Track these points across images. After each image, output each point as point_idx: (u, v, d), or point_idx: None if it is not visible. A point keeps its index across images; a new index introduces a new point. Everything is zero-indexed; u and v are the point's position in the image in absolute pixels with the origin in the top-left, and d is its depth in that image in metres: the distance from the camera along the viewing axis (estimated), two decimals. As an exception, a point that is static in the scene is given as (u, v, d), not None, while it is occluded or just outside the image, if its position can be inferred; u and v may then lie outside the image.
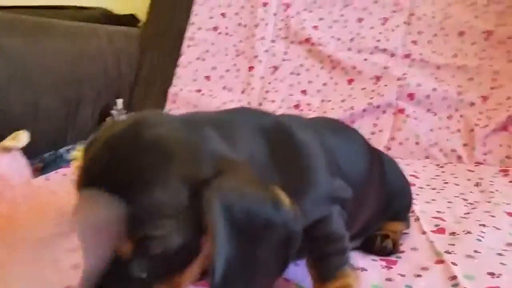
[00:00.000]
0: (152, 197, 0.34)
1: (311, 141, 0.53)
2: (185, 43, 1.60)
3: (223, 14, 1.61)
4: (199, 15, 1.62)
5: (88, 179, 0.37)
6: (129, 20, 1.93)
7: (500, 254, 0.66)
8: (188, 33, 1.60)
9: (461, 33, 1.48)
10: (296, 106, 1.51)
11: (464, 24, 1.48)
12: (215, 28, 1.61)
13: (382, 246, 0.67)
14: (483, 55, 1.45)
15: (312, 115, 1.45)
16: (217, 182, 0.37)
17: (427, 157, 1.33)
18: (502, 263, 0.62)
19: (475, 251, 0.66)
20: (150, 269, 0.36)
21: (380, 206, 0.67)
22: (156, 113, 0.45)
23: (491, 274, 0.60)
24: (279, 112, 1.48)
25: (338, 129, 0.67)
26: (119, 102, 1.39)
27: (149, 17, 1.67)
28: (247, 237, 0.37)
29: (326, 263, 0.51)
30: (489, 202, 0.92)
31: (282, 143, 0.49)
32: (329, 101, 1.49)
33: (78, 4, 1.88)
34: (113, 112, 1.37)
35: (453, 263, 0.62)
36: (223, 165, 0.38)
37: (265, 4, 1.60)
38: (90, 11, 1.89)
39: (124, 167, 0.35)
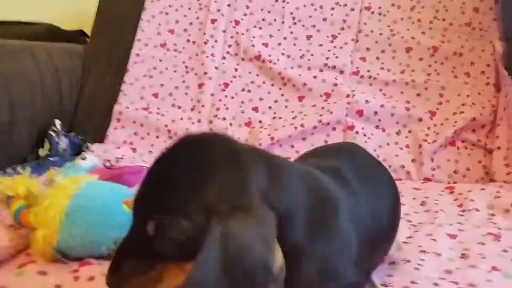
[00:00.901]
0: (178, 202, 0.43)
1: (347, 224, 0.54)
2: (131, 59, 1.54)
3: (171, 31, 1.57)
4: (146, 32, 1.57)
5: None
6: (77, 36, 1.86)
7: (436, 284, 0.64)
8: (135, 50, 1.55)
9: (408, 49, 1.49)
10: (248, 124, 1.48)
11: (410, 40, 1.50)
12: (162, 45, 1.56)
13: None
14: (430, 70, 1.47)
15: (263, 132, 1.43)
16: (226, 220, 0.41)
17: (377, 174, 1.32)
18: (436, 294, 0.61)
19: (412, 282, 0.64)
20: (162, 248, 0.43)
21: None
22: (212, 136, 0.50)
23: (425, 307, 0.57)
24: (229, 130, 1.45)
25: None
26: (57, 123, 1.32)
27: (93, 33, 1.61)
28: (229, 276, 0.40)
29: None
30: (432, 223, 0.91)
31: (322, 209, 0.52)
32: (280, 118, 1.47)
33: (23, 19, 1.80)
34: (51, 133, 1.30)
35: (388, 297, 0.60)
36: (241, 204, 0.42)
37: (213, 21, 1.57)
38: (36, 27, 1.81)
39: (172, 185, 0.44)
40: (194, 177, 0.44)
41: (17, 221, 0.72)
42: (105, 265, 0.67)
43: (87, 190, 0.71)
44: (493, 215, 0.98)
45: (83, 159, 0.96)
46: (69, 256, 0.68)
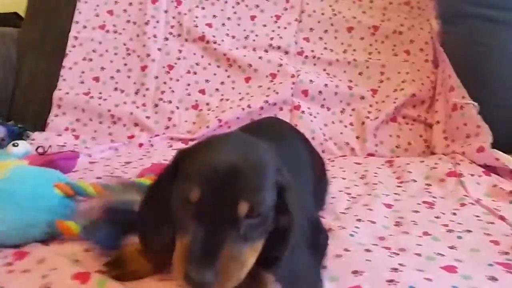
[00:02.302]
0: (262, 187, 0.51)
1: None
2: (70, 43, 1.48)
3: (110, 12, 1.52)
4: (83, 13, 1.51)
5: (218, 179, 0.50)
6: (11, 19, 1.76)
7: (368, 250, 0.66)
8: (73, 33, 1.49)
9: (349, 29, 1.52)
10: (195, 107, 1.46)
11: (352, 19, 1.52)
12: (101, 27, 1.51)
13: None
14: (371, 49, 1.51)
15: (211, 114, 1.42)
16: (291, 192, 0.54)
17: (323, 151, 1.34)
18: (367, 260, 0.62)
19: (345, 250, 0.66)
20: (249, 229, 0.50)
21: None
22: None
23: (355, 272, 0.59)
24: (176, 113, 1.43)
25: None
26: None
27: (28, 16, 1.53)
28: (305, 232, 0.55)
29: None
30: (370, 194, 0.94)
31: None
32: (228, 99, 1.46)
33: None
34: (-15, 122, 1.23)
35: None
36: (289, 181, 0.55)
37: (154, 1, 1.53)
38: (-34, 9, 1.70)
39: (246, 175, 0.51)
40: (259, 165, 0.53)
41: None
42: (41, 252, 0.65)
43: (15, 174, 0.68)
44: (429, 185, 1.02)
45: (15, 145, 0.93)
46: (3, 243, 0.65)
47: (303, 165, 0.76)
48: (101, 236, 0.65)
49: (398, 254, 0.66)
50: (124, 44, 1.50)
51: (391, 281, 0.57)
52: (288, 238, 0.52)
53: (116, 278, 0.59)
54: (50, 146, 1.00)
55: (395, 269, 0.60)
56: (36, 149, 0.92)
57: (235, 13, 1.55)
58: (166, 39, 1.51)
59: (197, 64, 1.50)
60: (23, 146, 0.93)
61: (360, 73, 1.47)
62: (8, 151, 0.92)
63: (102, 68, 1.47)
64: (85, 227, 0.66)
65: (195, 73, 1.50)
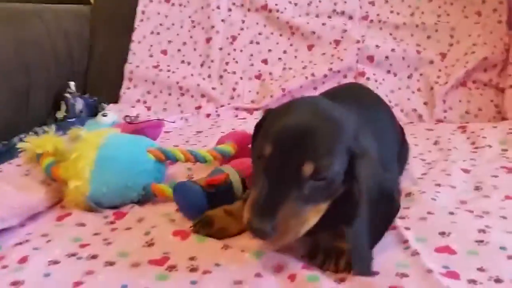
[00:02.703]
0: (331, 152, 0.53)
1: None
2: (138, 17, 1.53)
3: (174, -15, 1.55)
4: (150, -13, 1.55)
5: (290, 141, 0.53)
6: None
7: (451, 213, 0.67)
8: (140, 7, 1.54)
9: (417, -9, 1.46)
10: (258, 76, 1.48)
11: (420, -19, 1.46)
12: (167, 0, 1.54)
13: None
14: (440, 12, 1.45)
15: (274, 84, 1.44)
16: (364, 160, 0.55)
17: (389, 119, 1.33)
18: (452, 222, 0.63)
19: (429, 213, 0.67)
20: (313, 190, 0.52)
21: None
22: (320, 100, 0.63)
23: (442, 233, 0.60)
24: (240, 83, 1.46)
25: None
26: (72, 85, 1.33)
27: (97, -7, 1.60)
28: (375, 200, 0.55)
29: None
30: (446, 160, 0.93)
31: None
32: (290, 69, 1.47)
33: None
34: (67, 95, 1.32)
35: (406, 228, 0.63)
36: (364, 148, 0.56)
37: (217, -27, 1.54)
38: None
39: (316, 138, 0.53)
40: (332, 130, 0.55)
41: (49, 176, 0.76)
42: (139, 212, 0.72)
43: (112, 141, 0.74)
44: (505, 150, 0.99)
45: (104, 115, 0.99)
46: (102, 204, 0.72)
47: (388, 131, 0.76)
48: (191, 196, 0.69)
49: (482, 217, 0.66)
50: (189, 17, 1.53)
51: (480, 241, 0.58)
52: (356, 207, 0.54)
53: (206, 236, 0.63)
54: (137, 115, 1.06)
55: (483, 231, 0.61)
56: (124, 118, 0.99)
57: (298, -20, 1.53)
58: (230, 10, 1.53)
59: (259, 34, 1.51)
60: (111, 115, 0.99)
61: (428, 37, 1.43)
62: (98, 121, 0.99)
63: (169, 42, 1.52)
64: (175, 187, 0.71)
65: (257, 43, 1.51)
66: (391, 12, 1.46)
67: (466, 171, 0.87)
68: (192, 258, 0.58)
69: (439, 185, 0.79)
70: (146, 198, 0.76)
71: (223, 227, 0.65)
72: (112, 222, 0.71)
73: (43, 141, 0.78)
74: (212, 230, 0.64)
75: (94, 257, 0.60)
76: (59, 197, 0.76)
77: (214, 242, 0.62)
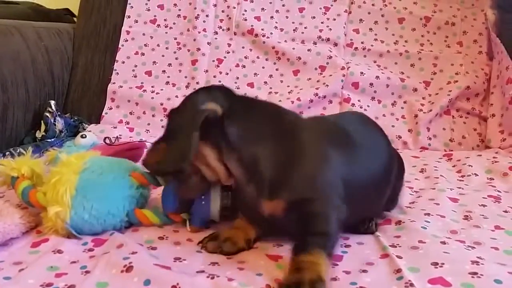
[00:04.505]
0: None
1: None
2: (122, 37, 1.51)
3: (160, 6, 1.54)
4: (135, 7, 1.54)
5: None
6: (63, 15, 1.82)
7: (443, 243, 0.65)
8: (125, 27, 1.52)
9: (400, 20, 1.49)
10: (243, 99, 1.47)
11: (403, 10, 1.50)
12: (153, 21, 1.53)
13: (369, 227, 0.72)
14: (423, 41, 1.48)
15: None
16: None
17: (374, 145, 1.33)
18: (445, 252, 0.62)
19: (420, 241, 0.66)
20: None
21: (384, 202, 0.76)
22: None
23: (435, 264, 0.59)
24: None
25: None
26: (52, 103, 1.29)
27: (81, 11, 1.57)
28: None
29: (305, 239, 0.58)
30: (433, 189, 0.93)
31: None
32: (276, 93, 1.46)
33: (6, -1, 1.75)
34: (47, 114, 1.28)
35: (398, 256, 0.61)
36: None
37: (203, -5, 1.54)
38: (20, 6, 1.76)
39: None
40: None
41: (26, 201, 0.71)
42: (119, 239, 0.68)
43: (94, 165, 0.71)
44: (491, 179, 1.00)
45: (82, 137, 0.96)
46: (82, 232, 0.68)
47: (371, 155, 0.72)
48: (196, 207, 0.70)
49: (474, 248, 0.65)
50: (175, 39, 1.52)
51: (474, 273, 0.56)
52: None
53: (220, 252, 0.65)
54: (117, 137, 1.03)
55: (476, 262, 0.59)
56: (104, 140, 0.95)
57: (283, 5, 1.54)
58: (216, 33, 1.53)
59: (245, 57, 1.51)
60: (90, 137, 0.96)
61: (412, 65, 1.45)
62: (76, 143, 0.95)
63: (154, 62, 1.50)
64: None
65: (243, 66, 1.51)
66: (375, 40, 1.49)
67: (454, 200, 0.86)
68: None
69: (428, 214, 0.78)
70: (129, 224, 0.73)
71: (229, 237, 0.66)
72: (90, 250, 0.67)
73: (18, 163, 0.74)
74: (219, 240, 0.66)
75: (71, 287, 0.56)
76: (35, 222, 0.71)
77: (199, 272, 0.59)
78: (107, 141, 0.94)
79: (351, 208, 0.63)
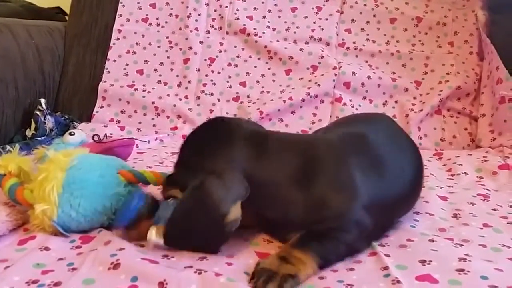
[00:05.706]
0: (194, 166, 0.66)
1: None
2: (114, 36, 1.51)
3: (152, 5, 1.54)
4: (126, 6, 1.53)
5: None
6: (54, 13, 1.81)
7: (432, 241, 0.65)
8: (116, 26, 1.52)
9: (392, 20, 1.50)
10: (236, 99, 1.47)
11: (394, 11, 1.50)
12: (144, 20, 1.53)
13: None
14: (414, 41, 1.49)
15: (252, 107, 1.42)
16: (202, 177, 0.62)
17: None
18: (432, 249, 0.62)
19: (408, 240, 0.66)
20: None
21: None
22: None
23: (422, 261, 0.59)
24: (217, 105, 1.44)
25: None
26: (42, 102, 1.28)
27: (73, 9, 1.56)
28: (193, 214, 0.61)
29: (311, 238, 0.59)
30: (423, 187, 0.92)
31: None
32: (268, 92, 1.47)
33: (-4, -3, 1.73)
34: (37, 112, 1.27)
35: (386, 255, 0.61)
36: (217, 170, 0.63)
37: (196, -6, 1.54)
38: (11, 4, 1.75)
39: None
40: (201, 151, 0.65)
41: (13, 199, 0.71)
42: (107, 236, 0.68)
43: (82, 162, 0.70)
44: (481, 178, 1.01)
45: (71, 134, 0.95)
46: (70, 229, 0.67)
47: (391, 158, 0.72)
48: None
49: (462, 245, 0.66)
50: (167, 37, 1.52)
51: (461, 270, 0.57)
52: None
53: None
54: (106, 134, 1.02)
55: (463, 259, 0.59)
56: (92, 137, 0.95)
57: (275, 5, 1.55)
58: (208, 32, 1.53)
59: (238, 56, 1.51)
60: (79, 134, 0.95)
61: (403, 65, 1.45)
62: (65, 140, 0.94)
63: (146, 61, 1.49)
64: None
65: (236, 65, 1.51)
66: (367, 40, 1.49)
67: (443, 198, 0.86)
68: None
69: (417, 212, 0.78)
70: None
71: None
72: (78, 247, 0.67)
73: (5, 160, 0.73)
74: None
75: (57, 284, 0.56)
76: (23, 219, 0.71)
77: (187, 268, 0.58)
78: (96, 138, 0.93)
79: (379, 222, 0.64)
